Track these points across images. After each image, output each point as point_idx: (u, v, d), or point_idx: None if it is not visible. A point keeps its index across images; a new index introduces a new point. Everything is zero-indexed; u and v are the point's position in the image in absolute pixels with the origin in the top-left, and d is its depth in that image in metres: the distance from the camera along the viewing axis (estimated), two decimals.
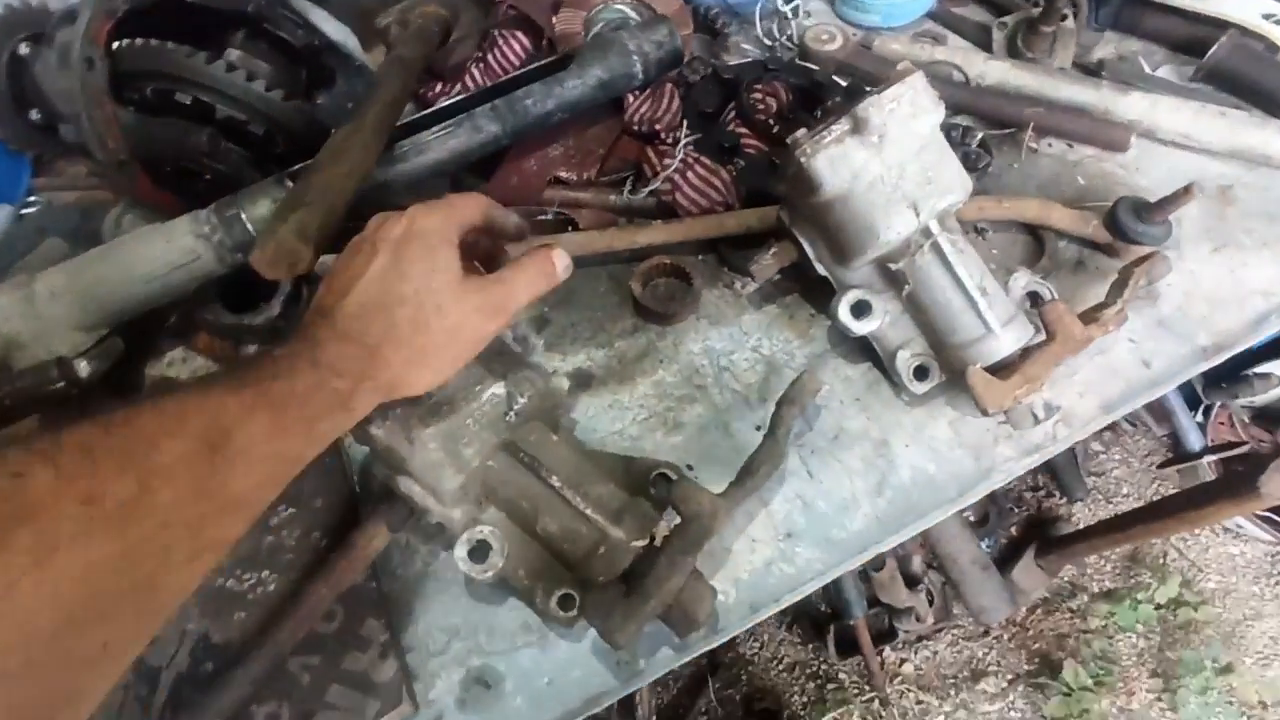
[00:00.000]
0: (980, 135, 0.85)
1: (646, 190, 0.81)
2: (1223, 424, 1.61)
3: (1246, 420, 1.61)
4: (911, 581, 1.57)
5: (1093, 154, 0.86)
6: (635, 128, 0.85)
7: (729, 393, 0.73)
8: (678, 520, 0.58)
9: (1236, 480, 1.04)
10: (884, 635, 1.60)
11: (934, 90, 0.60)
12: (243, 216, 0.68)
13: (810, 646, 1.63)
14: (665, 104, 0.85)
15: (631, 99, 0.84)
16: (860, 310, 0.67)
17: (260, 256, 0.57)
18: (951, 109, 0.83)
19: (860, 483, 0.67)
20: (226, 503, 0.41)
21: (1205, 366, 0.71)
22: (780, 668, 1.64)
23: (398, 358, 0.49)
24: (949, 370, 0.66)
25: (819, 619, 1.63)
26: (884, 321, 0.67)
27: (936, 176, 0.61)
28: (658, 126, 0.83)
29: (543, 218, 0.83)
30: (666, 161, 0.81)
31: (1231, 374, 1.42)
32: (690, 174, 0.81)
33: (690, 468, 0.69)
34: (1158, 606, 1.53)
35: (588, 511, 0.57)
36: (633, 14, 0.92)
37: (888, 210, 0.61)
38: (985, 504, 1.61)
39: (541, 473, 0.58)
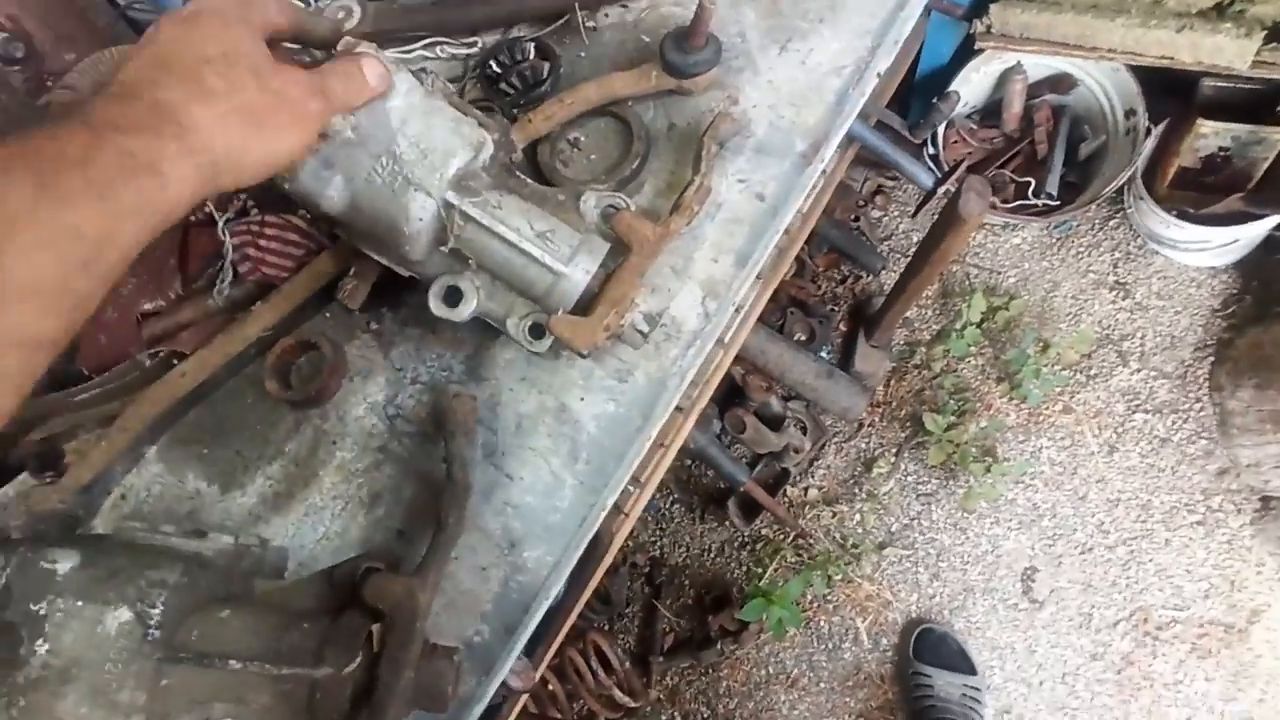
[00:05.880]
0: (532, 42, 0.79)
1: (229, 279, 0.73)
2: (956, 142, 1.68)
3: (975, 127, 1.69)
4: (778, 421, 1.63)
5: (647, 4, 0.82)
6: (193, 217, 0.75)
7: (408, 439, 0.69)
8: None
9: (947, 216, 1.08)
10: (780, 478, 1.67)
11: (382, 59, 0.54)
12: None
13: (728, 524, 1.69)
14: None
15: None
16: (452, 297, 0.62)
17: None
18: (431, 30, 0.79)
19: (555, 460, 0.65)
20: (12, 288, 0.35)
21: (816, 169, 0.71)
22: (712, 555, 1.70)
23: (209, 114, 0.43)
24: None
25: (720, 496, 1.69)
26: (480, 298, 0.63)
27: (430, 146, 0.56)
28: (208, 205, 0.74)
29: (145, 363, 0.74)
30: (234, 241, 0.73)
31: (918, 112, 1.45)
32: (263, 240, 0.73)
33: (402, 533, 0.66)
34: (979, 324, 1.64)
35: (283, 671, 0.53)
36: None
37: (401, 201, 0.56)
38: (803, 320, 1.66)
39: (217, 664, 0.54)
